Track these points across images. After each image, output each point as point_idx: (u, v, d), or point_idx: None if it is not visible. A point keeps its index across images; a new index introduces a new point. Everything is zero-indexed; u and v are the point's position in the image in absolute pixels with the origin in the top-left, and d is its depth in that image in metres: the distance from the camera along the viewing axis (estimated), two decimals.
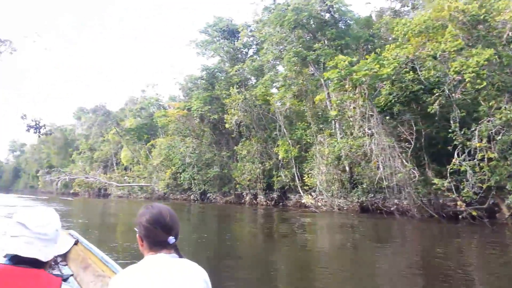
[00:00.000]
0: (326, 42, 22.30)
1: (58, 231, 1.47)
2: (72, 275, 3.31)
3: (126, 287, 1.37)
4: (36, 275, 1.31)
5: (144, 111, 47.21)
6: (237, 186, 28.61)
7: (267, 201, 27.09)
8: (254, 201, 28.14)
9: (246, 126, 27.71)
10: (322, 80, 22.06)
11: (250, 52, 34.06)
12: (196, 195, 33.18)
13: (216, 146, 31.95)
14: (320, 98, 22.06)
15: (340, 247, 11.26)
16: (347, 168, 20.05)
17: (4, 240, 1.39)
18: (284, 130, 25.61)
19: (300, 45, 21.87)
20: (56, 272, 3.34)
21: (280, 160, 25.73)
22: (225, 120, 27.95)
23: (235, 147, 28.53)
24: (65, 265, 3.58)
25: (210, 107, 29.50)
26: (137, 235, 1.54)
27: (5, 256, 1.38)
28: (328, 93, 21.69)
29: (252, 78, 32.48)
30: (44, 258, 1.36)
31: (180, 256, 1.52)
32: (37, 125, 11.75)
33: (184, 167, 33.37)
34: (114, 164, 53.93)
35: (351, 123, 17.55)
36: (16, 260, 1.35)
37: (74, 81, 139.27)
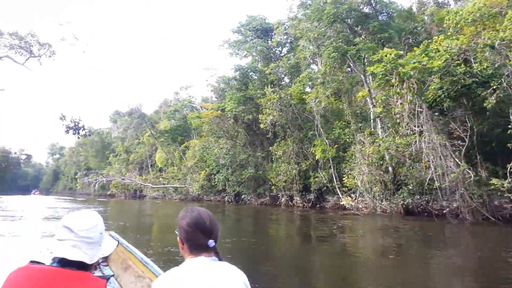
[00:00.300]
0: (366, 36, 21.33)
1: (102, 234, 1.53)
2: (113, 275, 3.35)
3: None
4: (82, 277, 1.37)
5: (178, 113, 47.60)
6: (273, 187, 28.06)
7: (304, 203, 26.36)
8: (290, 202, 27.52)
9: (281, 126, 27.11)
10: (362, 76, 21.13)
11: (284, 50, 33.48)
12: (230, 197, 32.90)
13: (250, 147, 31.54)
14: (362, 94, 21.10)
15: (384, 253, 10.35)
16: (390, 169, 19.04)
17: (52, 243, 1.47)
18: (321, 129, 24.83)
19: (340, 40, 21.01)
20: (97, 273, 3.39)
21: (317, 161, 24.98)
22: (259, 120, 27.48)
23: (270, 148, 27.98)
24: (106, 266, 3.65)
25: (244, 107, 29.10)
26: (178, 238, 1.57)
27: (53, 259, 1.43)
28: (369, 90, 20.73)
29: (286, 78, 31.92)
30: (89, 260, 1.43)
31: (220, 259, 1.54)
32: (76, 126, 11.64)
33: (218, 168, 33.19)
34: (149, 166, 54.78)
35: (397, 120, 16.53)
36: (63, 262, 1.41)
37: (109, 84, 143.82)
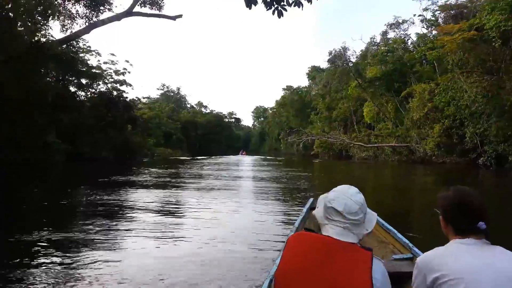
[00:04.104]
0: None
1: (365, 214, 1.57)
2: None
3: (440, 266, 1.40)
4: (352, 248, 1.45)
5: (391, 55, 38.44)
6: None
7: None
8: None
9: None
10: None
11: None
12: (487, 159, 22.64)
13: None
14: None
15: None
16: None
17: (320, 217, 1.58)
18: None
19: None
20: None
21: None
22: None
23: None
24: None
25: None
26: (440, 217, 1.56)
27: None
28: None
29: None
30: (357, 240, 1.50)
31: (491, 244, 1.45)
32: None
33: (467, 119, 23.28)
34: (355, 123, 48.03)
35: None
36: None
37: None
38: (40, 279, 3.90)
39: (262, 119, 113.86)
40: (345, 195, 1.53)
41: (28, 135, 18.79)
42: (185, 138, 66.10)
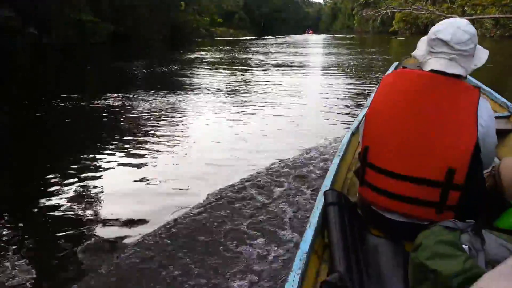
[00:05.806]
0: None
1: (475, 46, 1.41)
2: None
3: None
4: (457, 83, 1.34)
5: None
6: None
7: None
8: None
9: None
10: None
11: None
12: None
13: None
14: None
15: None
16: None
17: (421, 53, 1.45)
18: None
19: None
20: None
21: None
22: None
23: None
24: None
25: None
26: None
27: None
28: None
29: None
30: (465, 73, 1.40)
31: None
32: None
33: None
34: None
35: None
36: (437, 71, 1.39)
37: None
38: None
39: None
40: (454, 25, 1.35)
41: (56, 13, 16.56)
42: (248, 17, 62.33)
